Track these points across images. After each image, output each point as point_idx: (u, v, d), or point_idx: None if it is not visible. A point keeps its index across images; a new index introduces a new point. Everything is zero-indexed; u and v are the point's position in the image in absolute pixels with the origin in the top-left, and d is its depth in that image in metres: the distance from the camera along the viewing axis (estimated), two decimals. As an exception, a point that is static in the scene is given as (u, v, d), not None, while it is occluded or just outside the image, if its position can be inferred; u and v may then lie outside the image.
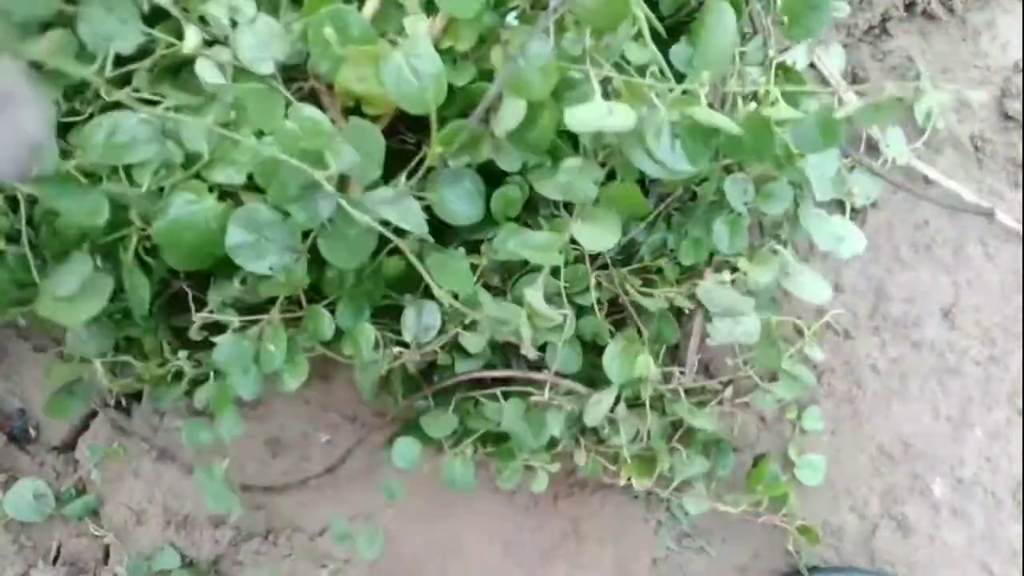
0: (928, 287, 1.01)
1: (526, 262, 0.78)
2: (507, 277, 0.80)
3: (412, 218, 0.67)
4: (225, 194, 0.67)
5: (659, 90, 0.63)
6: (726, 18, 0.62)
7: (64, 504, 0.98)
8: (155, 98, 0.64)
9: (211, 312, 0.76)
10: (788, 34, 0.73)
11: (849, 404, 1.01)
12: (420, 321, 0.77)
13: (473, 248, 0.77)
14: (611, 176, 0.73)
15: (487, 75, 0.65)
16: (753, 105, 0.67)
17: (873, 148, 0.97)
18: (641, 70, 0.65)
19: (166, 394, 0.86)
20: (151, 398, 0.97)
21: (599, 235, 0.73)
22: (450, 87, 0.62)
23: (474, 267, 0.76)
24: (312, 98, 0.66)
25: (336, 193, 0.63)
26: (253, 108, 0.63)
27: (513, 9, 0.62)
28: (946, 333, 1.01)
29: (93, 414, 1.01)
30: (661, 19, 0.71)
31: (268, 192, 0.64)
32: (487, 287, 0.79)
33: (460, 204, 0.71)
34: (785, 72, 0.71)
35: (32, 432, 1.01)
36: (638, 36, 0.62)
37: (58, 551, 1.01)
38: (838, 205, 0.92)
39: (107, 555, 1.01)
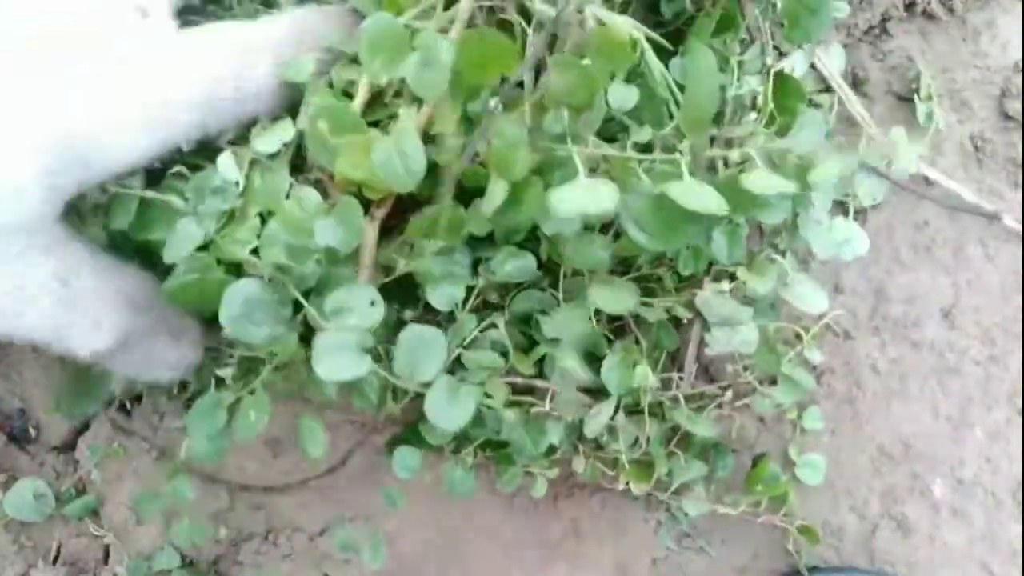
0: (928, 288, 1.00)
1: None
2: (504, 293, 0.80)
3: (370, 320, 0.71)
4: (229, 265, 0.70)
5: (643, 162, 0.64)
6: (706, 66, 0.61)
7: (64, 504, 0.98)
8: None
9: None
10: (787, 38, 0.73)
11: (849, 404, 1.01)
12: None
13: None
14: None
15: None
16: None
17: (873, 147, 0.97)
18: (632, 113, 0.66)
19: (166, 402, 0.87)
20: (151, 399, 0.97)
21: (618, 298, 0.76)
22: (433, 165, 0.64)
23: (470, 288, 0.76)
24: (318, 185, 0.69)
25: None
26: (261, 192, 0.69)
27: (493, 95, 0.64)
28: (946, 333, 1.01)
29: (93, 414, 1.01)
30: (662, 23, 0.71)
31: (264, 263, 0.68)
32: (486, 304, 0.80)
33: (444, 287, 0.74)
34: (783, 82, 0.71)
35: (32, 432, 1.01)
36: (640, 67, 0.63)
37: (58, 551, 1.01)
38: (840, 205, 0.92)
39: (107, 555, 1.01)
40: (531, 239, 0.76)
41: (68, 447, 1.02)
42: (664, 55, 0.66)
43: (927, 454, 1.01)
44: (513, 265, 0.75)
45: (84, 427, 1.01)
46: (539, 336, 0.81)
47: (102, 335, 0.67)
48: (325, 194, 0.69)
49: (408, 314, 0.80)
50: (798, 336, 0.86)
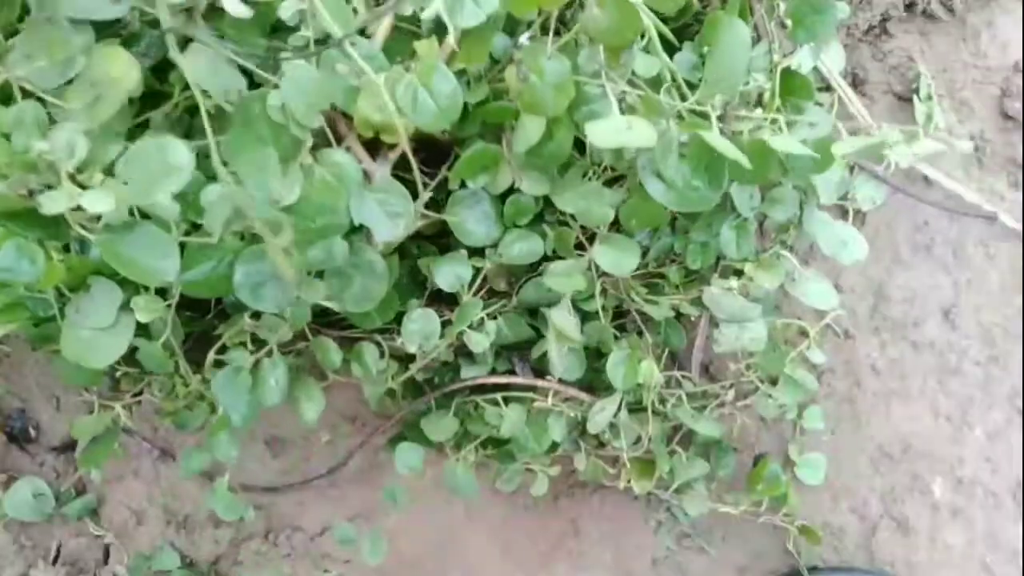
0: (928, 287, 1.01)
1: (532, 265, 0.79)
2: (513, 281, 0.80)
3: None
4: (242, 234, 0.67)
5: (672, 107, 0.63)
6: (739, 36, 0.61)
7: (64, 504, 0.98)
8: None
9: (224, 346, 0.77)
10: (793, 38, 0.73)
11: (849, 404, 1.01)
12: (423, 329, 0.78)
13: (477, 251, 0.78)
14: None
15: (499, 95, 0.66)
16: (754, 127, 0.67)
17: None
18: (652, 82, 0.65)
19: (190, 420, 0.87)
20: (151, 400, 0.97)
21: (620, 259, 0.76)
22: (465, 106, 0.63)
23: (478, 271, 0.77)
24: (331, 127, 0.66)
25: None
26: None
27: (527, 27, 0.63)
28: (946, 333, 1.01)
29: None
30: (664, 21, 0.71)
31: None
32: (492, 292, 0.80)
33: (478, 226, 0.74)
34: (790, 78, 0.71)
35: (32, 432, 1.01)
36: (648, 47, 0.63)
37: (58, 551, 1.01)
38: (840, 210, 0.92)
39: (107, 555, 1.01)
40: (536, 223, 0.76)
41: (68, 447, 1.02)
42: (669, 50, 0.66)
43: (927, 454, 1.01)
44: (520, 247, 0.75)
45: (84, 427, 1.01)
46: (545, 330, 0.81)
47: None
48: (338, 138, 0.66)
49: (414, 303, 0.80)
50: (803, 333, 0.85)
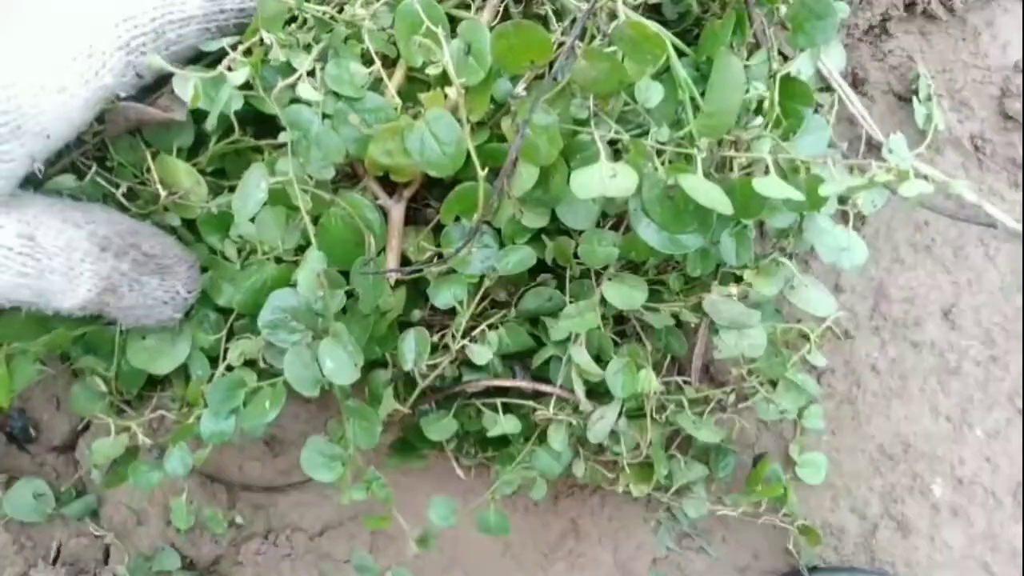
0: (928, 287, 1.01)
1: (531, 275, 0.79)
2: (512, 291, 0.80)
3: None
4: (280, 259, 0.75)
5: (660, 149, 0.66)
6: (733, 76, 0.62)
7: (64, 504, 0.98)
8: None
9: (230, 365, 0.78)
10: (792, 43, 0.73)
11: (849, 404, 1.01)
12: (416, 349, 0.78)
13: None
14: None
15: (501, 138, 0.71)
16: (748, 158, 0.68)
17: (874, 148, 0.97)
18: (657, 111, 0.67)
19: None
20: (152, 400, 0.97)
21: (630, 295, 0.77)
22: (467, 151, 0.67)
23: (477, 285, 0.77)
24: (350, 167, 0.72)
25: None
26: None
27: (520, 80, 0.68)
28: (946, 333, 1.01)
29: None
30: (665, 24, 0.71)
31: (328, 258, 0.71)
32: (494, 302, 0.80)
33: (474, 257, 0.76)
34: (789, 85, 0.71)
35: (32, 432, 1.01)
36: (662, 73, 0.65)
37: (58, 551, 1.01)
38: (840, 211, 0.92)
39: (107, 555, 1.01)
40: (536, 239, 0.76)
41: (68, 447, 1.01)
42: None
43: (927, 454, 1.01)
44: (515, 257, 0.76)
45: (84, 427, 1.01)
46: (546, 338, 0.81)
47: (83, 286, 0.66)
48: (356, 176, 0.71)
49: (416, 314, 0.80)
50: (805, 336, 0.85)
